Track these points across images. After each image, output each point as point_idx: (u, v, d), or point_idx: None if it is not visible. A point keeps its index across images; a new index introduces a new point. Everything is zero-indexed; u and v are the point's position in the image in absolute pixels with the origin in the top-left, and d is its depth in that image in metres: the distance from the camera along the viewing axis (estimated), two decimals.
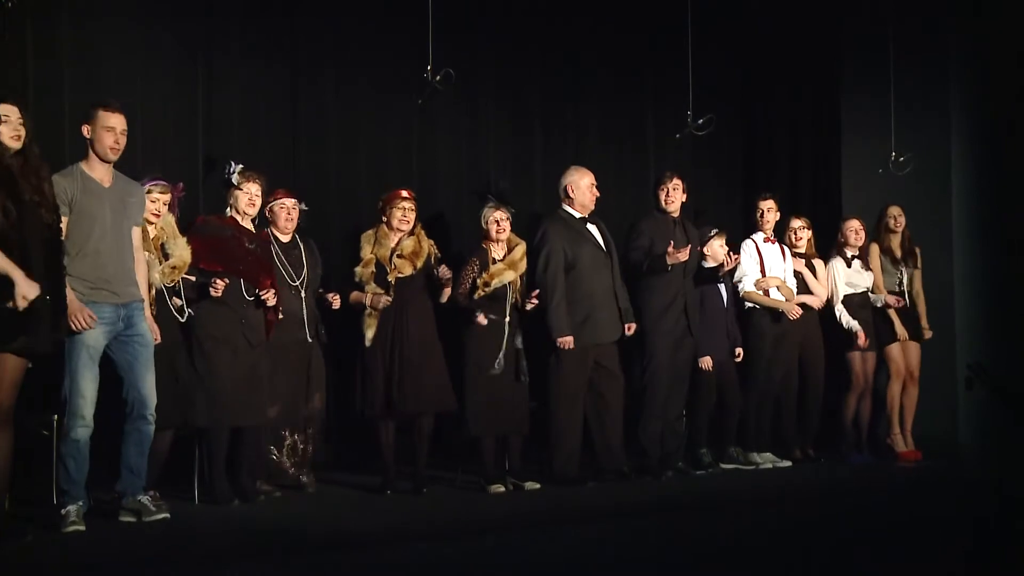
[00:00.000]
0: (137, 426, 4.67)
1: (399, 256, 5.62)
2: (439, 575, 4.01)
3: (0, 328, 4.13)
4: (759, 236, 6.76)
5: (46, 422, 4.86)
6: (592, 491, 5.67)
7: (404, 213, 5.66)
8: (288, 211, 5.53)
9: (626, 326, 5.94)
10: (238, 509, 5.06)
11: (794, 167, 8.25)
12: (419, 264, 5.63)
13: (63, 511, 4.50)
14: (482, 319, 5.59)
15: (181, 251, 5.07)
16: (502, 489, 5.62)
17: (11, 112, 4.29)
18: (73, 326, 4.45)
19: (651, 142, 7.62)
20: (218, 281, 5.04)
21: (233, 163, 5.31)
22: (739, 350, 6.46)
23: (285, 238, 5.57)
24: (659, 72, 7.59)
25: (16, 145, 4.29)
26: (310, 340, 5.52)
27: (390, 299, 5.50)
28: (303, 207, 5.60)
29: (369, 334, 5.53)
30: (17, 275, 4.10)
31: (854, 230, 6.92)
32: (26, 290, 4.10)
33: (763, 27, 7.96)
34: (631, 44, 7.52)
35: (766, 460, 6.58)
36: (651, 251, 6.08)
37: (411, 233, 5.67)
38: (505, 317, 5.66)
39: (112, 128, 4.59)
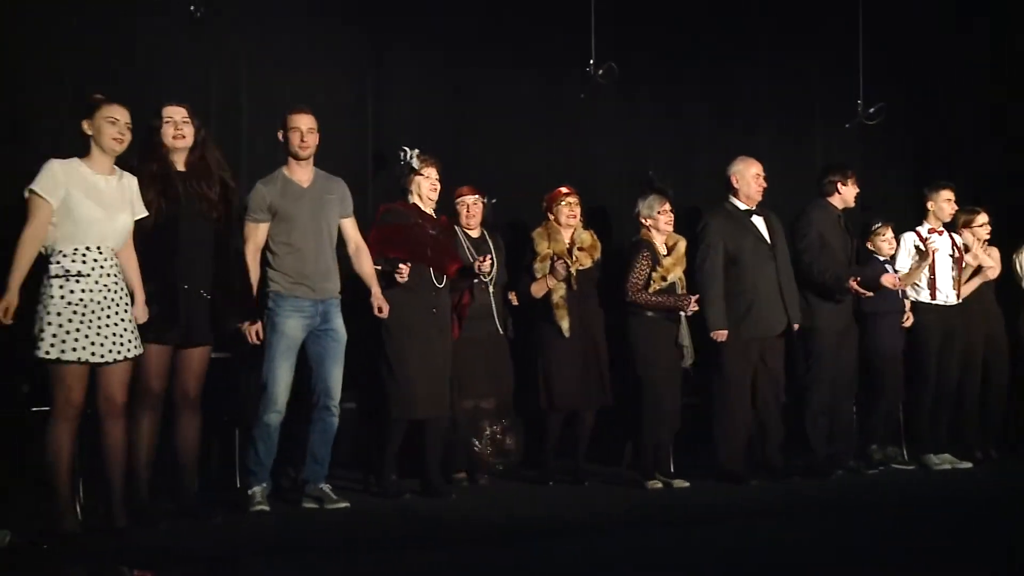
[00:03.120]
0: (321, 416, 4.86)
1: (580, 249, 5.67)
2: (595, 567, 4.03)
3: (158, 325, 4.36)
4: (924, 228, 6.48)
5: (229, 410, 5.10)
6: (753, 489, 5.58)
7: (571, 208, 5.70)
8: (468, 208, 5.60)
9: (793, 325, 5.81)
10: (405, 501, 5.13)
11: (968, 158, 7.83)
12: (596, 256, 5.67)
13: (249, 492, 4.75)
14: (693, 305, 5.51)
15: None
16: (659, 485, 5.59)
17: (175, 113, 4.49)
18: (248, 338, 4.69)
19: (818, 132, 7.40)
20: (402, 266, 5.05)
21: (408, 149, 5.31)
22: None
23: (474, 233, 5.65)
24: (827, 60, 7.36)
25: (179, 145, 4.48)
26: (500, 332, 5.61)
27: (566, 263, 5.50)
28: (491, 201, 5.68)
29: (565, 324, 5.53)
30: (138, 295, 4.31)
31: None
32: (139, 314, 4.29)
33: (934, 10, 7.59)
34: (798, 32, 7.32)
35: (944, 461, 6.31)
36: (823, 245, 5.93)
37: (585, 227, 5.71)
38: (680, 314, 5.61)
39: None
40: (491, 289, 5.58)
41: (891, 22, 7.35)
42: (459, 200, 5.63)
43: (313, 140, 4.84)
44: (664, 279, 5.59)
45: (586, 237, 5.70)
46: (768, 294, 5.76)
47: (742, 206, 5.87)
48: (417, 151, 5.31)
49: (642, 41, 6.85)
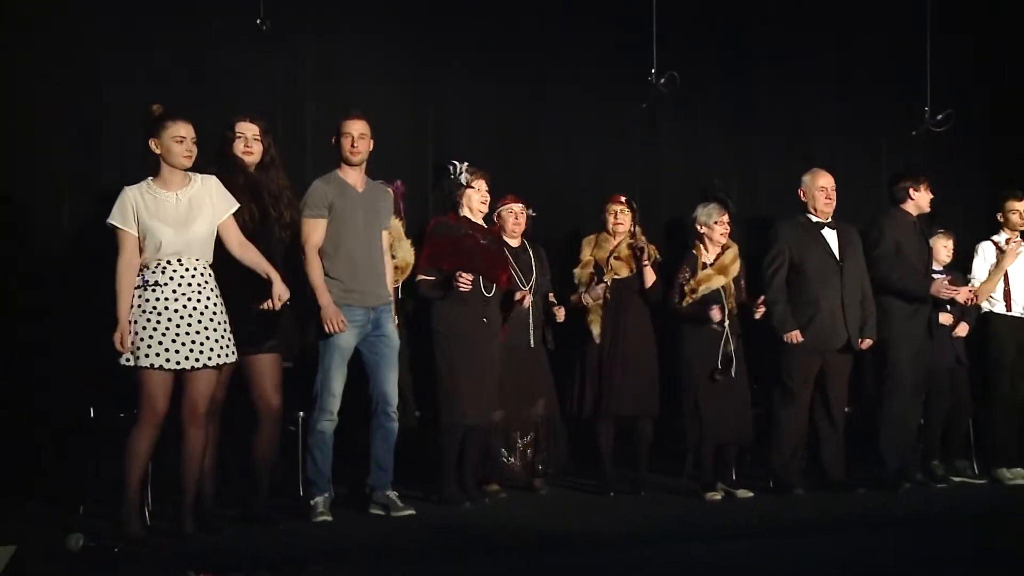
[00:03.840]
0: (381, 422, 4.89)
1: (616, 258, 5.66)
2: None
3: (257, 331, 4.44)
4: (1000, 237, 6.35)
5: (292, 418, 5.17)
6: (814, 500, 5.51)
7: (616, 216, 5.69)
8: (516, 216, 5.62)
9: (860, 340, 5.74)
10: (468, 510, 5.14)
11: None
12: (634, 267, 5.64)
13: (312, 502, 4.78)
14: (716, 313, 5.48)
15: (405, 253, 5.24)
16: (719, 496, 5.55)
17: (247, 130, 4.59)
18: (327, 328, 4.72)
19: (883, 139, 7.27)
20: (463, 275, 5.09)
21: (458, 163, 5.37)
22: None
23: (514, 243, 5.67)
24: (892, 66, 7.24)
25: (251, 160, 4.58)
26: (533, 345, 5.60)
27: (605, 285, 5.54)
28: (531, 213, 5.70)
29: (595, 330, 5.58)
30: (274, 275, 4.35)
31: None
32: (281, 290, 4.34)
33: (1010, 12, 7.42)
34: (862, 36, 7.20)
35: (1016, 476, 6.16)
36: (898, 253, 5.87)
37: (631, 236, 5.69)
38: (725, 322, 5.57)
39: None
40: (529, 299, 5.56)
41: (959, 25, 7.21)
42: (506, 208, 5.63)
43: (364, 146, 4.87)
44: (695, 291, 5.55)
45: (625, 247, 5.67)
46: (830, 308, 5.72)
47: (813, 219, 5.84)
48: (466, 164, 5.36)
49: (704, 50, 6.81)
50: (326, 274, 4.79)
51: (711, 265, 5.65)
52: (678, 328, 5.65)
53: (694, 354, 5.58)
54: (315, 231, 4.79)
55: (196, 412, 4.29)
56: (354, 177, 4.90)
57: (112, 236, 4.27)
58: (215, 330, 4.29)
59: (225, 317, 4.32)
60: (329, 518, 4.75)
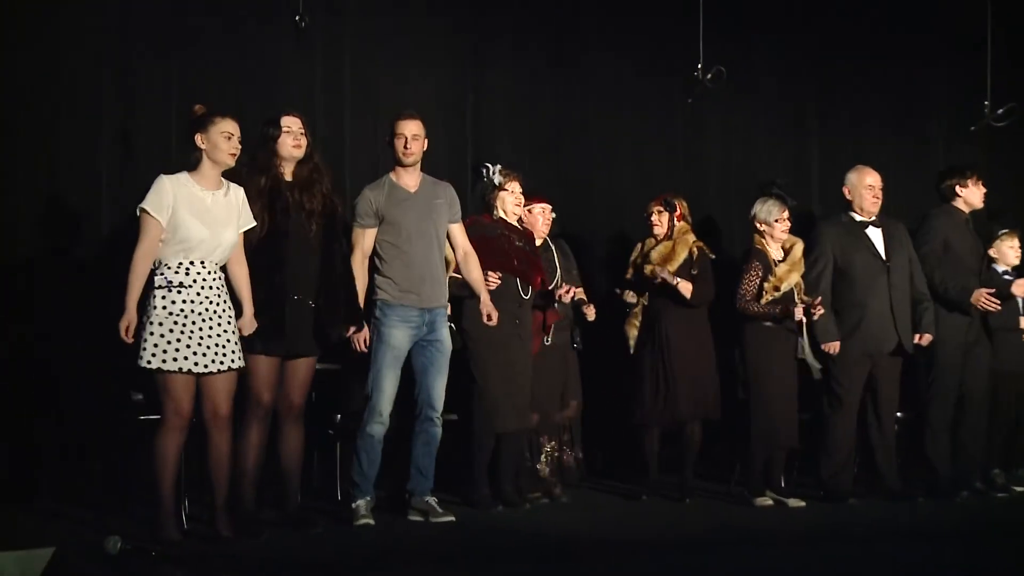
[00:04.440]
0: (424, 427, 4.83)
1: (647, 262, 5.55)
2: None
3: (266, 335, 4.38)
4: None
5: (331, 420, 5.12)
6: (867, 509, 5.36)
7: (654, 219, 5.57)
8: (547, 215, 5.55)
9: (919, 336, 5.58)
10: (505, 514, 5.07)
11: None
12: (673, 268, 5.47)
13: (353, 505, 4.72)
14: (800, 311, 5.35)
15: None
16: (770, 502, 5.41)
17: (293, 123, 4.53)
18: (355, 346, 4.69)
19: (940, 135, 7.07)
20: (491, 274, 5.04)
21: (490, 165, 5.33)
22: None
23: (538, 241, 5.59)
24: (950, 59, 7.04)
25: (297, 155, 4.53)
26: (548, 343, 5.45)
27: (634, 296, 5.47)
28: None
29: (632, 334, 5.50)
30: (247, 306, 4.32)
31: None
32: (246, 324, 4.30)
33: None
34: (919, 31, 7.01)
35: None
36: (947, 252, 5.69)
37: (668, 237, 5.56)
38: (795, 319, 5.41)
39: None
40: (571, 293, 5.44)
41: (1020, 16, 6.97)
42: (538, 207, 5.52)
43: (418, 147, 4.82)
44: (777, 289, 5.41)
45: (660, 248, 5.53)
46: (879, 311, 5.54)
47: (858, 218, 5.66)
48: (499, 166, 5.31)
49: (752, 44, 6.70)
50: (382, 274, 4.76)
51: (782, 261, 5.49)
52: (740, 329, 5.48)
53: (764, 359, 5.41)
54: (361, 240, 4.78)
55: (219, 415, 4.26)
56: (407, 178, 4.85)
57: (136, 222, 4.20)
58: (234, 333, 4.28)
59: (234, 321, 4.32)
60: (371, 521, 4.70)
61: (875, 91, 6.97)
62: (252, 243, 4.39)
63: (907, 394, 5.74)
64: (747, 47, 6.63)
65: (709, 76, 5.87)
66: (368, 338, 4.72)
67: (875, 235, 5.64)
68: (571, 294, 5.33)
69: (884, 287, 5.56)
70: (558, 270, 5.55)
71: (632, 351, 5.52)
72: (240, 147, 4.29)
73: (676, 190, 5.75)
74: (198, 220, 4.19)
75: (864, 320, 5.53)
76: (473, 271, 4.94)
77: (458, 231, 4.93)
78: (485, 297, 4.91)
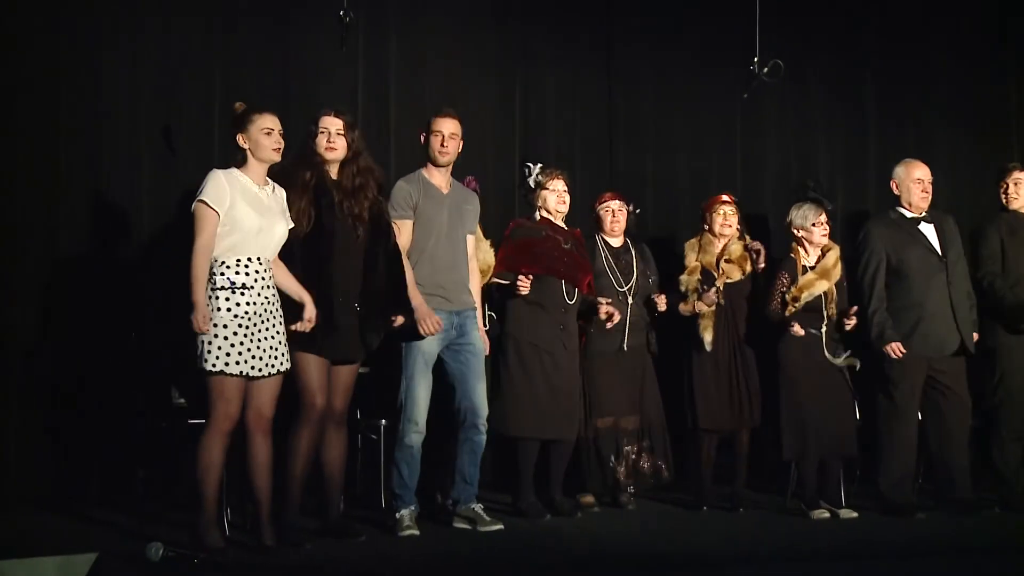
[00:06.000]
0: (470, 435, 4.74)
1: (727, 261, 5.38)
2: None
3: (308, 337, 4.27)
4: None
5: (374, 426, 5.05)
6: (925, 522, 5.15)
7: (725, 217, 5.41)
8: (613, 214, 5.40)
9: (972, 339, 5.36)
10: (553, 523, 4.96)
11: None
12: (748, 269, 5.36)
13: (397, 515, 4.63)
14: (798, 329, 5.18)
15: (485, 255, 5.07)
16: (826, 515, 5.22)
17: (331, 124, 4.42)
18: (421, 330, 4.56)
19: (1013, 134, 6.81)
20: (522, 279, 4.94)
21: (531, 165, 5.23)
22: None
23: (615, 242, 5.44)
24: (1015, 53, 6.77)
25: (330, 156, 4.41)
26: (625, 348, 5.34)
27: (718, 289, 5.28)
28: (632, 210, 5.47)
29: (708, 337, 5.30)
30: (308, 301, 4.23)
31: None
32: (311, 317, 4.22)
33: None
34: (983, 22, 6.76)
35: None
36: (1004, 256, 5.46)
37: (739, 237, 5.42)
38: (822, 329, 5.23)
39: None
40: (629, 301, 5.33)
41: None
42: (603, 206, 5.43)
43: (454, 147, 4.71)
44: (796, 300, 5.22)
45: (736, 249, 5.40)
46: (938, 310, 5.30)
47: (908, 214, 5.43)
48: (540, 165, 5.20)
49: (811, 35, 6.50)
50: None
51: (812, 269, 5.31)
52: (780, 334, 5.31)
53: (792, 364, 5.24)
54: (401, 232, 4.65)
55: (263, 419, 4.18)
56: (439, 178, 4.75)
57: (178, 209, 4.13)
58: (281, 334, 4.21)
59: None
60: (416, 532, 4.61)
61: (942, 87, 6.74)
62: (299, 241, 4.30)
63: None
64: (805, 37, 6.45)
65: (766, 69, 5.69)
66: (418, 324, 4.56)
67: (928, 231, 5.40)
68: (615, 318, 5.15)
69: (943, 284, 5.33)
70: (635, 274, 5.39)
71: (709, 349, 5.31)
72: (283, 142, 4.20)
73: (731, 189, 5.61)
74: (254, 211, 4.12)
75: (923, 321, 5.29)
76: (473, 286, 4.84)
77: (472, 242, 4.84)
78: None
